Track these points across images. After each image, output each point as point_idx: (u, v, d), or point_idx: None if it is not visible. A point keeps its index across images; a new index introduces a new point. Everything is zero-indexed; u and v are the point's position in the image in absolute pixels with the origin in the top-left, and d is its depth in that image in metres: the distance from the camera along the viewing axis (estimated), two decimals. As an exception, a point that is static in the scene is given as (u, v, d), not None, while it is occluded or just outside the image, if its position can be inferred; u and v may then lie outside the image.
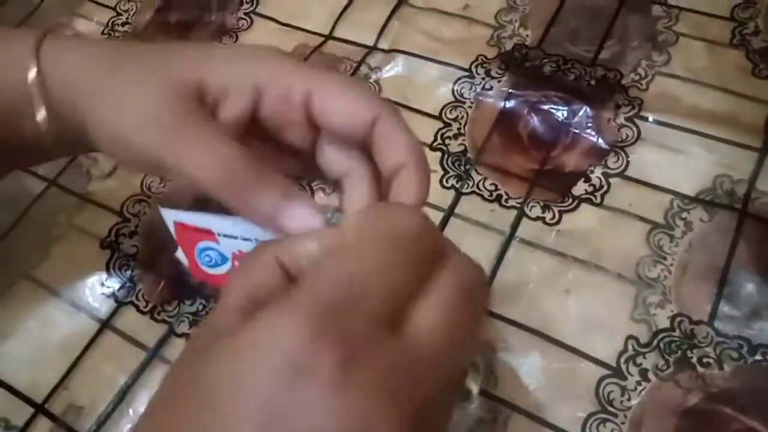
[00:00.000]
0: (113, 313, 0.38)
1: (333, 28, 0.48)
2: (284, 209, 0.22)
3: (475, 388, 0.33)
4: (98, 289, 0.39)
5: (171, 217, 0.25)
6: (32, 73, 0.25)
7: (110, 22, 0.52)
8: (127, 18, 0.52)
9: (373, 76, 0.45)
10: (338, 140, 0.24)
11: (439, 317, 0.18)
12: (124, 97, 0.24)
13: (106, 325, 0.38)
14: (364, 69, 0.45)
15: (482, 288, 0.21)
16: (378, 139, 0.23)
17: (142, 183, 0.43)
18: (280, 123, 0.24)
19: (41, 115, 0.25)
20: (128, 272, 0.39)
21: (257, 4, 0.51)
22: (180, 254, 0.25)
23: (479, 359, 0.34)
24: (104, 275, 0.39)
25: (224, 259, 0.25)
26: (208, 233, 0.24)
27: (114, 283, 0.39)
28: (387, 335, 0.17)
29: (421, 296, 0.18)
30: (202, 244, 0.24)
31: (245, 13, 0.50)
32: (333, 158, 0.24)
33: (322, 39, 0.48)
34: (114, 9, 0.53)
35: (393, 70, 0.45)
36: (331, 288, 0.17)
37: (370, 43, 0.47)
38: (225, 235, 0.24)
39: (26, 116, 0.26)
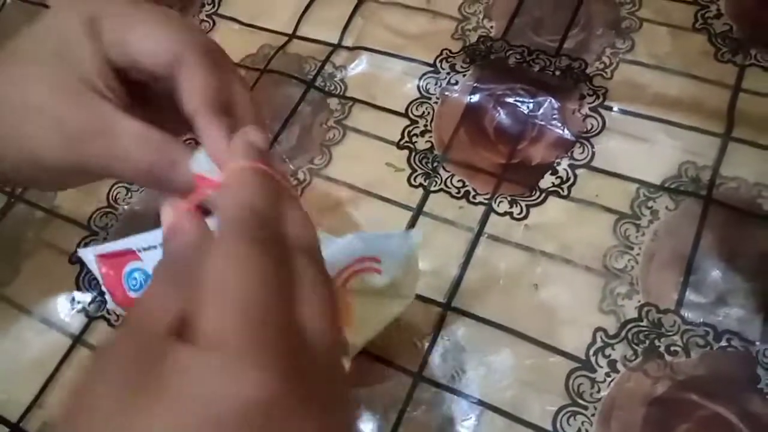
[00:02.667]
0: (85, 329, 0.38)
1: (296, 27, 0.47)
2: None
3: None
4: (69, 304, 0.39)
5: (90, 253, 0.24)
6: None
7: (71, 30, 0.51)
8: (87, 24, 0.51)
9: (339, 75, 0.45)
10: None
11: (318, 309, 0.18)
12: (23, 111, 0.23)
13: (78, 340, 0.37)
14: (329, 68, 0.45)
15: (317, 245, 0.20)
16: (178, 83, 0.22)
17: (108, 195, 0.42)
18: (126, 67, 0.23)
19: None
20: (98, 286, 0.39)
21: (219, 5, 0.50)
22: (107, 297, 0.24)
23: (449, 353, 0.34)
24: (74, 290, 0.39)
25: (149, 278, 0.24)
26: (130, 254, 0.24)
27: (85, 298, 0.39)
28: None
29: (296, 298, 0.18)
30: (128, 267, 0.24)
31: (207, 15, 0.50)
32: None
33: (286, 38, 0.47)
34: (74, 15, 0.52)
35: (358, 67, 0.45)
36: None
37: (334, 40, 0.46)
38: (146, 249, 0.24)
39: None
